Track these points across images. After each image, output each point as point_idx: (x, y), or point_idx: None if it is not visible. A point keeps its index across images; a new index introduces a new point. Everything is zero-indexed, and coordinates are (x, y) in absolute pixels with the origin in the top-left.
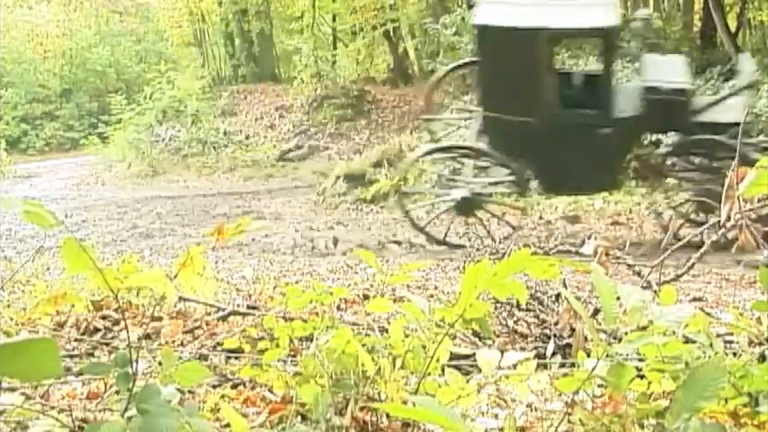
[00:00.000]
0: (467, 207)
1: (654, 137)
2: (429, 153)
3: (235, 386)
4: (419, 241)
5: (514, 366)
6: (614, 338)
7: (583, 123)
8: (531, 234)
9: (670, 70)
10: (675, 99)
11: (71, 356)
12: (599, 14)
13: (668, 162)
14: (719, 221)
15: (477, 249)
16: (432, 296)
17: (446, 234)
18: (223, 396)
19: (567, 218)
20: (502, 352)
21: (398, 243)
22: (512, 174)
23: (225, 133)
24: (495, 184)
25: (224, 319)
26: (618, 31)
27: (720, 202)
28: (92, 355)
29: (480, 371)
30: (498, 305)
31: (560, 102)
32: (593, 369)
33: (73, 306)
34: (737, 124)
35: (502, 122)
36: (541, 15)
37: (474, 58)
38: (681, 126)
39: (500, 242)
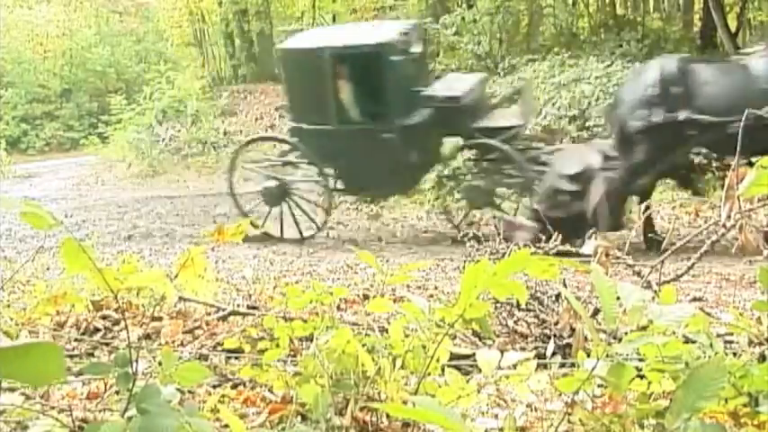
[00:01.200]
0: (272, 197)
1: None
2: (253, 141)
3: (235, 386)
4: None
5: (514, 366)
6: (614, 338)
7: (369, 130)
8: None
9: (455, 83)
10: (449, 106)
11: (71, 356)
12: (373, 35)
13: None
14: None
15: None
16: (432, 296)
17: (281, 225)
18: (223, 396)
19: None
20: (502, 352)
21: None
22: (318, 173)
23: (225, 133)
24: (302, 180)
25: (224, 319)
26: (390, 47)
27: (488, 200)
28: (92, 355)
29: (480, 371)
30: (498, 305)
31: (350, 111)
32: (593, 369)
33: (73, 306)
34: (511, 128)
35: (306, 131)
36: (327, 38)
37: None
38: (461, 131)
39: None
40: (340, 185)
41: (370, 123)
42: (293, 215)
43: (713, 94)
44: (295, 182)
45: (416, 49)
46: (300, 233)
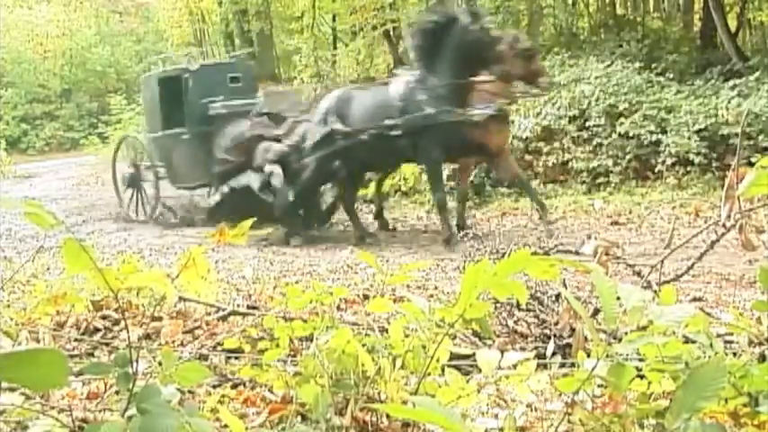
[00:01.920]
0: (129, 181)
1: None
2: (120, 142)
3: (235, 386)
4: None
5: (514, 366)
6: (614, 338)
7: (176, 134)
8: None
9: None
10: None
11: (71, 356)
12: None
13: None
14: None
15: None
16: (432, 296)
17: (129, 202)
18: (223, 396)
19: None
20: (502, 352)
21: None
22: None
23: None
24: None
25: (224, 319)
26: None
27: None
28: (92, 355)
29: (480, 371)
30: (498, 305)
31: (168, 120)
32: (593, 369)
33: (73, 306)
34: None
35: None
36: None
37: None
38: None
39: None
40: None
41: (181, 132)
42: (140, 199)
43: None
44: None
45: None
46: (145, 212)
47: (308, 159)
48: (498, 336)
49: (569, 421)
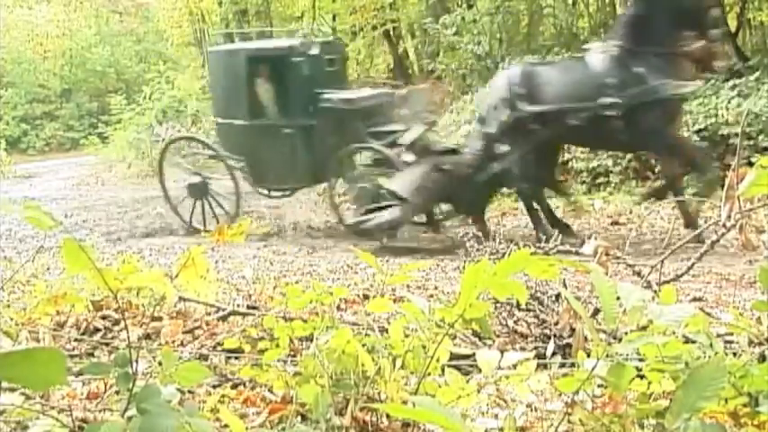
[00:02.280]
0: (196, 191)
1: None
2: (173, 141)
3: (235, 386)
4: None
5: (514, 366)
6: (614, 338)
7: (274, 127)
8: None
9: (361, 91)
10: (343, 108)
11: (71, 356)
12: (280, 42)
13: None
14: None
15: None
16: (432, 296)
17: (191, 215)
18: (223, 396)
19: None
20: (502, 352)
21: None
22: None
23: None
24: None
25: (224, 319)
26: (292, 52)
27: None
28: (92, 355)
29: (480, 371)
30: (498, 305)
31: (261, 109)
32: (593, 369)
33: (73, 306)
34: (395, 132)
35: (224, 125)
36: (246, 44)
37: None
38: (353, 134)
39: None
40: (249, 178)
41: (278, 122)
42: (203, 209)
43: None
44: (213, 178)
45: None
46: (205, 225)
47: (500, 148)
48: (498, 336)
49: (569, 421)
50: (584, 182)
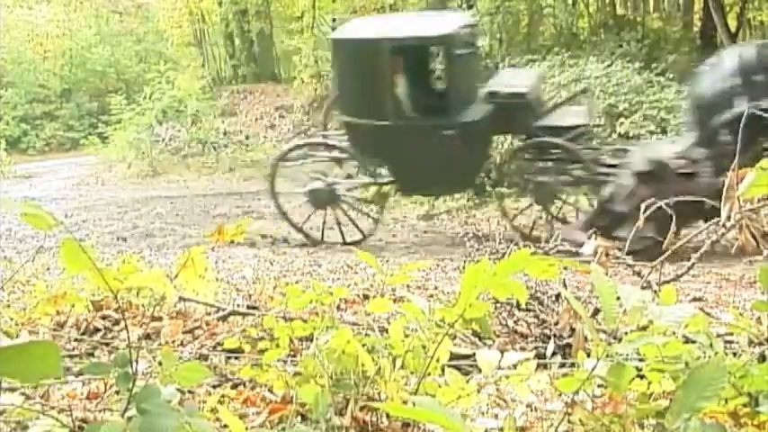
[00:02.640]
0: (320, 199)
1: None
2: (292, 149)
3: (235, 386)
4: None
5: (514, 366)
6: (614, 338)
7: (429, 126)
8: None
9: (515, 79)
10: (513, 102)
11: (71, 356)
12: (435, 25)
13: (511, 166)
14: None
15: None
16: (432, 296)
17: (323, 229)
18: (223, 396)
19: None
20: (502, 352)
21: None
22: (366, 172)
23: (225, 133)
24: (350, 178)
25: (224, 319)
26: (454, 39)
27: (550, 199)
28: (92, 355)
29: (480, 371)
30: (498, 305)
31: (410, 106)
32: (593, 369)
33: (73, 306)
34: (577, 127)
35: (357, 126)
36: (385, 28)
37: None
38: (524, 129)
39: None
40: (393, 185)
41: (433, 120)
42: (338, 220)
43: None
44: (343, 184)
45: (478, 42)
46: (344, 238)
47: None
48: (498, 336)
49: (569, 421)
50: None
